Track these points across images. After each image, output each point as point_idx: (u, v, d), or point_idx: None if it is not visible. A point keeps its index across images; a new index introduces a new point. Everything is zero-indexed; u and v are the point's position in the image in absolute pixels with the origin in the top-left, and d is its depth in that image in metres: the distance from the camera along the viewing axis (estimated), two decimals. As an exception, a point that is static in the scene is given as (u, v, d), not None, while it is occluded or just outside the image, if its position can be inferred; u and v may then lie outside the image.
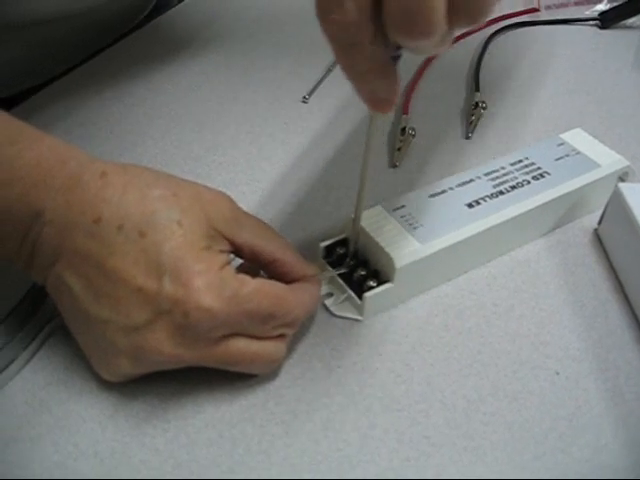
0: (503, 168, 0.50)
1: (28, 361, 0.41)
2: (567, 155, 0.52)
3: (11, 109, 0.60)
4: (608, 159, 0.51)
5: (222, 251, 0.38)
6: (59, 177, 0.37)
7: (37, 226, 0.37)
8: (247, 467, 0.37)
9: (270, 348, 0.39)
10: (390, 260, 0.43)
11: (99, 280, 0.36)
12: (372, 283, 0.44)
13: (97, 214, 0.36)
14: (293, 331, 0.40)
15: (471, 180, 0.49)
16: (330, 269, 0.46)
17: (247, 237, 0.39)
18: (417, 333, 0.44)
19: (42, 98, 0.63)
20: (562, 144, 0.53)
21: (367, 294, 0.43)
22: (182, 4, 0.78)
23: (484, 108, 0.62)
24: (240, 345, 0.38)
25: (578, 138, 0.53)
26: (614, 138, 0.60)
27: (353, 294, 0.44)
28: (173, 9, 0.78)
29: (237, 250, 0.40)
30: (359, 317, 0.44)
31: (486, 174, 0.50)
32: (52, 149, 0.38)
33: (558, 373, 0.42)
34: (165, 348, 0.36)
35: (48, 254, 0.37)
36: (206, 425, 0.39)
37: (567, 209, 0.51)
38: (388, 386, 0.41)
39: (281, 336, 0.39)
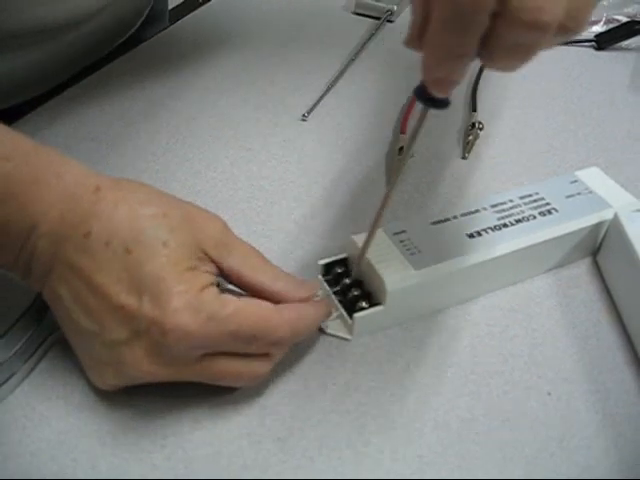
0: (511, 201, 0.50)
1: (27, 375, 0.42)
2: (579, 193, 0.51)
3: (11, 122, 0.61)
4: (620, 200, 0.51)
5: (208, 273, 0.38)
6: (54, 191, 0.38)
7: (33, 238, 0.38)
8: (243, 483, 0.38)
9: (253, 366, 0.39)
10: (382, 283, 0.44)
11: (86, 294, 0.37)
12: (364, 304, 0.45)
13: (87, 228, 0.37)
14: (281, 350, 0.40)
15: (477, 210, 0.49)
16: (327, 287, 0.46)
17: (234, 263, 0.40)
18: (411, 352, 0.44)
19: (43, 112, 0.64)
20: (575, 182, 0.52)
21: (357, 315, 0.44)
22: (181, 21, 0.79)
23: (481, 129, 0.63)
24: (221, 365, 0.38)
25: (593, 177, 0.53)
26: (607, 159, 0.61)
27: (345, 313, 0.45)
28: (173, 25, 0.79)
29: (224, 275, 0.40)
30: (348, 336, 0.45)
31: (493, 205, 0.49)
32: (47, 163, 0.39)
33: (550, 394, 0.43)
34: (142, 365, 0.37)
35: (43, 266, 0.38)
36: (203, 441, 0.39)
37: (571, 247, 0.50)
38: (382, 405, 0.42)
39: (267, 354, 0.39)
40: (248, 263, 0.40)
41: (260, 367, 0.40)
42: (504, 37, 0.31)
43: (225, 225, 0.41)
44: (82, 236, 0.37)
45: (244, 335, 0.37)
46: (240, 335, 0.37)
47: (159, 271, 0.36)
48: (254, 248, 0.42)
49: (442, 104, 0.37)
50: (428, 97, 0.36)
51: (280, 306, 0.40)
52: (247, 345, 0.38)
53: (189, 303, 0.36)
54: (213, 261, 0.39)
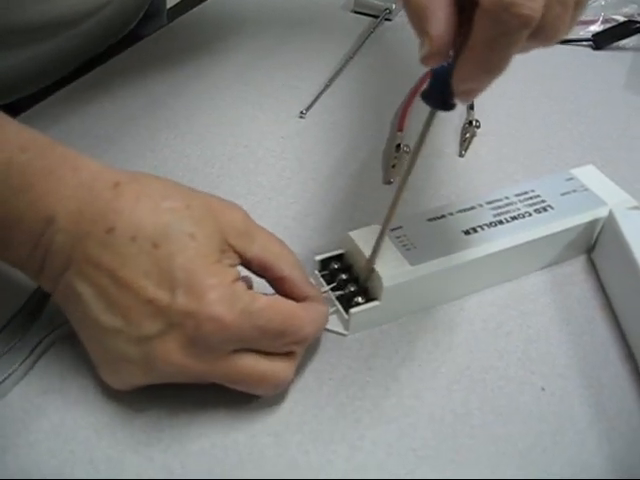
0: (507, 198, 0.50)
1: (27, 372, 0.42)
2: (574, 190, 0.51)
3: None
4: (615, 198, 0.51)
5: (231, 265, 0.39)
6: (71, 185, 0.37)
7: (49, 233, 0.37)
8: (238, 476, 0.38)
9: (278, 370, 0.39)
10: (379, 279, 0.44)
11: (111, 289, 0.37)
12: (360, 299, 0.45)
13: (110, 224, 0.37)
14: (302, 349, 0.41)
15: (472, 207, 0.49)
16: (323, 283, 0.47)
17: (257, 251, 0.40)
18: (407, 348, 0.45)
19: (43, 108, 0.64)
20: (571, 179, 0.52)
21: (352, 310, 0.44)
22: (181, 18, 0.80)
23: (478, 126, 0.63)
24: (250, 362, 0.38)
25: (589, 175, 0.53)
26: (603, 157, 0.61)
27: (341, 308, 0.45)
28: (173, 22, 0.79)
29: (246, 263, 0.40)
30: (344, 332, 0.45)
31: (488, 202, 0.49)
32: (63, 157, 0.39)
33: (544, 389, 0.43)
34: (175, 358, 0.37)
35: (59, 262, 0.38)
36: (199, 434, 0.39)
37: (566, 244, 0.50)
38: (378, 399, 0.42)
39: (290, 354, 0.40)
40: (269, 249, 0.41)
41: (282, 370, 0.39)
42: (527, 48, 0.34)
43: (245, 213, 0.41)
44: (104, 232, 0.37)
45: (274, 330, 0.38)
46: (269, 330, 0.38)
47: (190, 264, 0.36)
48: (274, 235, 0.42)
49: (451, 107, 0.38)
50: (438, 101, 0.38)
51: (304, 304, 0.40)
52: (273, 342, 0.38)
53: (223, 295, 0.36)
54: (237, 251, 0.39)
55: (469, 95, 0.36)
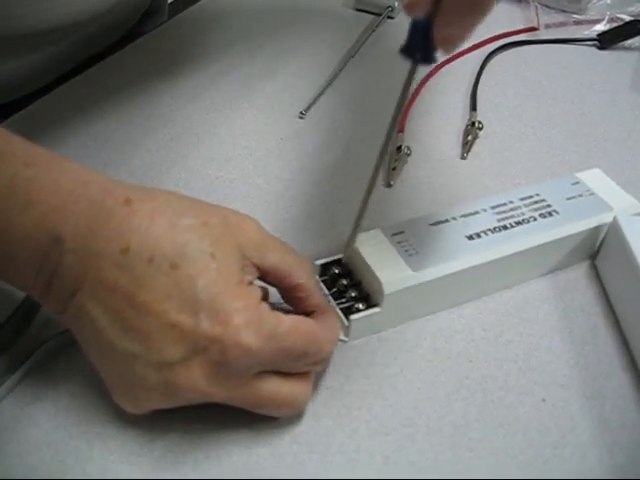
0: (511, 202, 0.49)
1: (19, 381, 0.41)
2: (580, 195, 0.50)
3: (6, 117, 0.61)
4: (622, 203, 0.50)
5: (252, 281, 0.38)
6: (80, 201, 0.36)
7: (56, 253, 0.35)
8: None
9: (297, 392, 0.38)
10: (379, 285, 0.43)
11: (128, 313, 0.35)
12: (360, 306, 0.44)
13: (124, 244, 0.35)
14: (322, 368, 0.41)
15: (476, 212, 0.48)
16: (324, 288, 0.46)
17: (274, 261, 0.39)
18: (405, 356, 0.44)
19: (39, 107, 0.63)
20: (577, 183, 0.51)
21: (353, 316, 0.44)
22: (179, 15, 0.79)
23: (480, 128, 0.62)
24: (272, 387, 0.37)
25: (595, 178, 0.52)
26: (609, 160, 0.60)
27: (342, 315, 0.45)
28: (171, 20, 0.78)
29: (262, 274, 0.39)
30: (345, 338, 0.45)
31: (493, 207, 0.49)
32: (71, 171, 0.37)
33: (544, 400, 0.42)
34: (199, 385, 0.35)
35: (69, 283, 0.36)
36: (192, 445, 0.39)
37: (571, 250, 0.49)
38: (375, 409, 0.41)
39: (305, 374, 0.39)
40: (285, 258, 0.39)
41: (301, 392, 0.39)
42: None
43: (259, 224, 0.40)
44: (119, 252, 0.35)
45: (298, 352, 0.37)
46: (293, 352, 0.37)
47: (212, 287, 0.35)
48: (286, 243, 0.41)
49: (433, 59, 0.38)
50: (419, 54, 0.38)
51: (321, 323, 0.40)
52: (295, 363, 0.38)
53: (250, 320, 0.35)
54: (255, 264, 0.38)
55: (451, 43, 0.36)
